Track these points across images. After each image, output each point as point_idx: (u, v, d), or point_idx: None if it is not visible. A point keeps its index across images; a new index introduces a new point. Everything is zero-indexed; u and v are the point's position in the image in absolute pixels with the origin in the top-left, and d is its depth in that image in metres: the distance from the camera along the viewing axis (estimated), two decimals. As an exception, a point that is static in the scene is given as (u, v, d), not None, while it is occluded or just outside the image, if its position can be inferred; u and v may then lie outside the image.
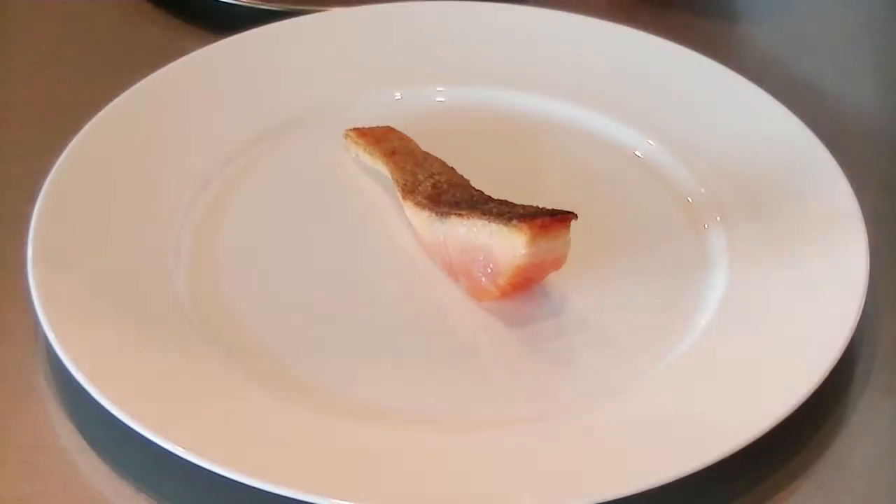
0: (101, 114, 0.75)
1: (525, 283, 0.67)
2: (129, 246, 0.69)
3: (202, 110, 0.77)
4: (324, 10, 0.84)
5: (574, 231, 0.65)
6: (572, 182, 0.75)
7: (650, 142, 0.77)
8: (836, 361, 0.63)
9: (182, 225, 0.71)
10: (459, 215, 0.67)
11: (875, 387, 0.66)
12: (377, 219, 0.73)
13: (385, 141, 0.75)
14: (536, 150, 0.78)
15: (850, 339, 0.64)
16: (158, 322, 0.66)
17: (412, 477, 0.60)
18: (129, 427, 0.60)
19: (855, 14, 0.92)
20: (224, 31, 0.81)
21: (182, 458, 0.59)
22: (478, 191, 0.70)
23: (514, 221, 0.65)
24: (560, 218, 0.65)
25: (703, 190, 0.74)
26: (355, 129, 0.76)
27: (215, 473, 0.58)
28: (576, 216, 0.65)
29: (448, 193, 0.70)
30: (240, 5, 0.86)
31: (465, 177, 0.72)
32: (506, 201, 0.68)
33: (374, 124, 0.77)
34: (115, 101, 0.76)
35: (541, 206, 0.66)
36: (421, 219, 0.70)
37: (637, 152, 0.77)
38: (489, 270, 0.66)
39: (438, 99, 0.80)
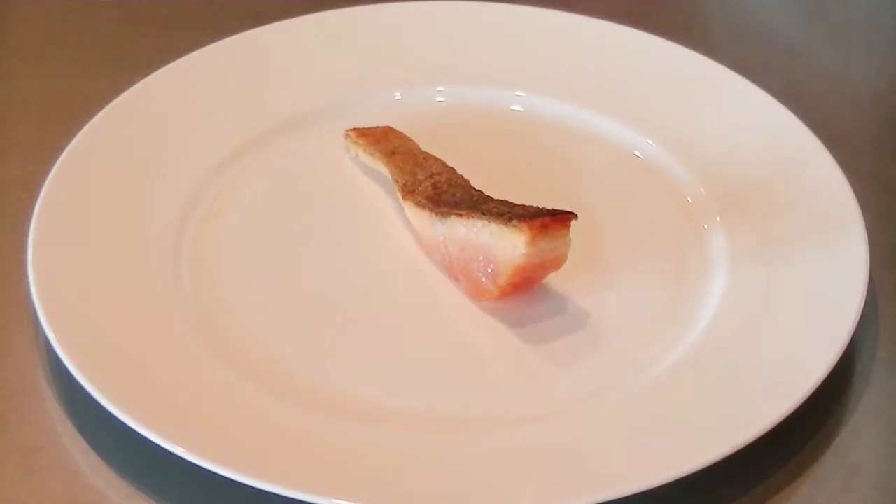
0: (101, 114, 0.75)
1: (525, 283, 0.67)
2: (130, 246, 0.69)
3: (202, 110, 0.77)
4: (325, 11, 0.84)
5: (574, 231, 0.65)
6: (572, 182, 0.75)
7: (650, 142, 0.77)
8: (836, 361, 0.63)
9: (182, 225, 0.71)
10: (459, 215, 0.67)
11: (875, 387, 0.66)
12: (377, 219, 0.73)
13: (385, 141, 0.75)
14: (536, 150, 0.78)
15: (850, 338, 0.64)
16: (158, 322, 0.66)
17: (412, 477, 0.60)
18: (129, 427, 0.60)
19: (855, 14, 0.92)
20: (224, 32, 0.81)
21: (182, 458, 0.59)
22: (478, 191, 0.70)
23: (515, 221, 0.65)
24: (560, 218, 0.65)
25: (703, 190, 0.74)
26: (355, 129, 0.76)
27: (215, 473, 0.58)
28: (576, 216, 0.65)
29: (448, 193, 0.70)
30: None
31: (465, 177, 0.72)
32: (506, 201, 0.68)
33: (374, 124, 0.77)
34: (115, 101, 0.76)
35: (541, 207, 0.66)
36: (421, 219, 0.70)
37: (637, 152, 0.77)
38: (489, 270, 0.66)
39: (438, 99, 0.80)
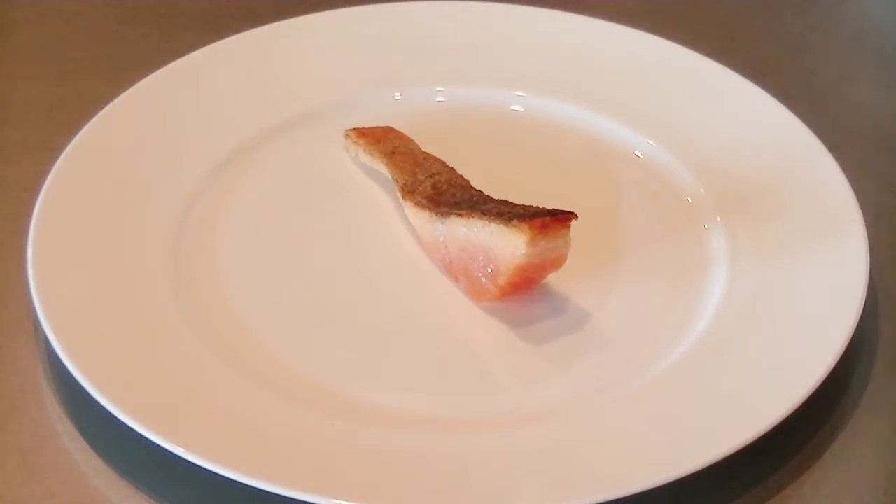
0: (101, 114, 0.75)
1: (525, 283, 0.67)
2: (129, 246, 0.69)
3: (202, 110, 0.77)
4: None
5: (574, 231, 0.65)
6: (572, 182, 0.75)
7: (650, 142, 0.77)
8: (836, 361, 0.63)
9: (182, 224, 0.71)
10: (459, 215, 0.67)
11: (875, 387, 0.66)
12: (377, 219, 0.73)
13: (385, 141, 0.75)
14: (536, 150, 0.78)
15: (850, 339, 0.64)
16: (158, 322, 0.66)
17: (412, 477, 0.60)
18: (129, 427, 0.60)
19: (855, 14, 0.92)
20: (224, 32, 0.81)
21: (182, 458, 0.59)
22: (478, 191, 0.70)
23: (515, 221, 0.65)
24: (560, 218, 0.65)
25: (703, 190, 0.74)
26: (355, 129, 0.76)
27: (215, 473, 0.58)
28: (576, 216, 0.65)
29: (448, 193, 0.70)
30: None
31: (465, 177, 0.72)
32: (506, 201, 0.68)
33: (374, 124, 0.77)
34: (115, 101, 0.76)
35: (541, 207, 0.66)
36: (421, 219, 0.70)
37: (637, 152, 0.77)
38: (489, 270, 0.66)
39: (438, 99, 0.80)
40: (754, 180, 0.74)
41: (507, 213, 0.66)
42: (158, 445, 0.59)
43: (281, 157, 0.76)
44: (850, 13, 0.92)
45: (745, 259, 0.70)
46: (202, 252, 0.70)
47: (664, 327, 0.67)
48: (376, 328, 0.67)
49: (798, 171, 0.74)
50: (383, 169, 0.74)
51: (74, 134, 0.74)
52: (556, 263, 0.66)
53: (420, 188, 0.71)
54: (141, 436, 0.60)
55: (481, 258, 0.66)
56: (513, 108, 0.79)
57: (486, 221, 0.66)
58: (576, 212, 0.65)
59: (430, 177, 0.72)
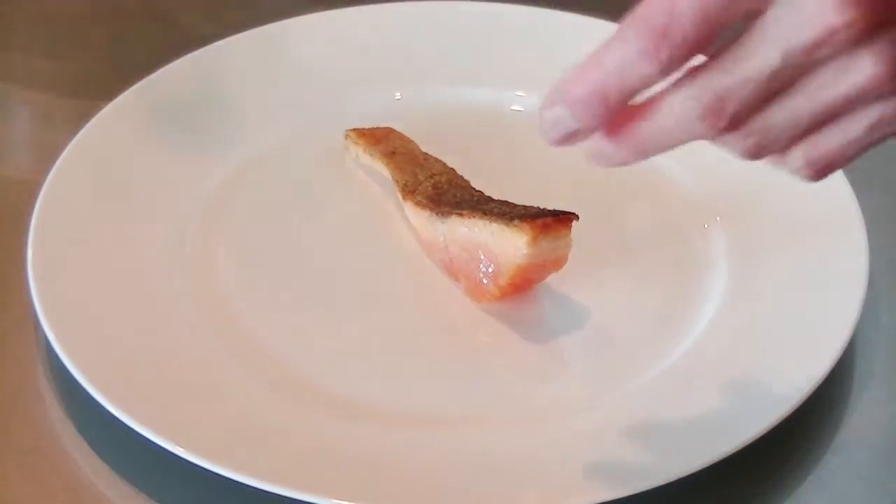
0: (100, 114, 0.75)
1: (526, 284, 0.67)
2: (129, 246, 0.69)
3: (202, 110, 0.77)
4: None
5: (574, 231, 0.65)
6: (573, 182, 0.75)
7: (650, 142, 0.77)
8: (836, 361, 0.63)
9: (182, 224, 0.71)
10: (460, 215, 0.67)
11: (875, 387, 0.66)
12: (377, 219, 0.73)
13: (385, 141, 0.75)
14: (536, 151, 0.77)
15: (850, 339, 0.64)
16: (158, 322, 0.66)
17: (412, 477, 0.60)
18: (129, 427, 0.60)
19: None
20: (224, 32, 0.81)
21: (181, 458, 0.59)
22: (478, 191, 0.70)
23: (516, 221, 0.65)
24: (561, 218, 0.65)
25: (703, 190, 0.74)
26: (355, 130, 0.76)
27: (215, 473, 0.58)
28: (577, 217, 0.65)
29: (449, 194, 0.70)
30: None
31: (466, 177, 0.72)
32: (507, 202, 0.68)
33: (374, 124, 0.77)
34: (115, 101, 0.76)
35: (542, 207, 0.66)
36: (421, 219, 0.70)
37: (637, 152, 0.77)
38: (490, 270, 0.66)
39: (438, 99, 0.80)
40: (754, 180, 0.73)
41: (508, 213, 0.66)
42: (158, 445, 0.59)
43: (281, 158, 0.76)
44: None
45: (744, 259, 0.70)
46: (202, 252, 0.70)
47: (664, 327, 0.67)
48: (376, 328, 0.67)
49: (798, 171, 0.74)
50: (383, 169, 0.74)
51: (74, 134, 0.73)
52: (557, 264, 0.66)
53: (420, 188, 0.71)
54: (141, 436, 0.60)
55: (482, 258, 0.66)
56: (513, 108, 0.79)
57: (488, 221, 0.66)
58: (576, 212, 0.65)
59: (431, 177, 0.72)
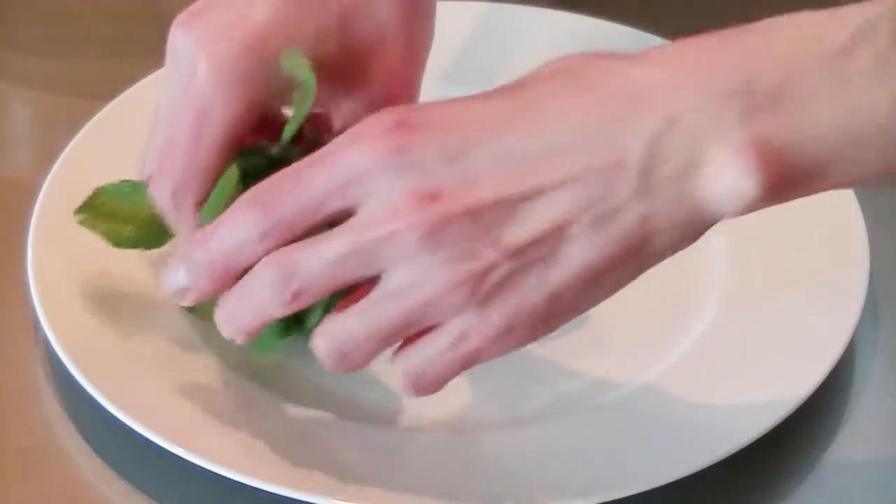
0: (101, 113, 0.75)
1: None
2: (129, 246, 0.69)
3: (202, 110, 0.77)
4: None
5: (574, 231, 0.65)
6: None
7: (650, 142, 0.77)
8: (836, 361, 0.63)
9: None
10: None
11: (875, 387, 0.66)
12: (377, 219, 0.73)
13: (385, 141, 0.75)
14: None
15: (850, 339, 0.64)
16: (158, 322, 0.66)
17: (413, 477, 0.60)
18: (129, 427, 0.60)
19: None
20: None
21: (182, 458, 0.59)
22: (478, 191, 0.70)
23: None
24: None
25: (703, 190, 0.74)
26: (355, 129, 0.76)
27: (215, 473, 0.58)
28: (576, 216, 0.65)
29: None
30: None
31: (465, 177, 0.72)
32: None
33: (374, 124, 0.77)
34: (115, 101, 0.76)
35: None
36: (421, 219, 0.70)
37: (637, 152, 0.77)
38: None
39: (437, 99, 0.80)
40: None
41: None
42: (158, 446, 0.59)
43: (281, 157, 0.76)
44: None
45: (745, 259, 0.69)
46: (202, 252, 0.70)
47: (664, 328, 0.67)
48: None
49: (798, 171, 0.74)
50: (383, 169, 0.74)
51: (74, 134, 0.73)
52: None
53: (420, 188, 0.71)
54: (141, 436, 0.60)
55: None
56: (513, 108, 0.79)
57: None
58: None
59: (431, 177, 0.72)
